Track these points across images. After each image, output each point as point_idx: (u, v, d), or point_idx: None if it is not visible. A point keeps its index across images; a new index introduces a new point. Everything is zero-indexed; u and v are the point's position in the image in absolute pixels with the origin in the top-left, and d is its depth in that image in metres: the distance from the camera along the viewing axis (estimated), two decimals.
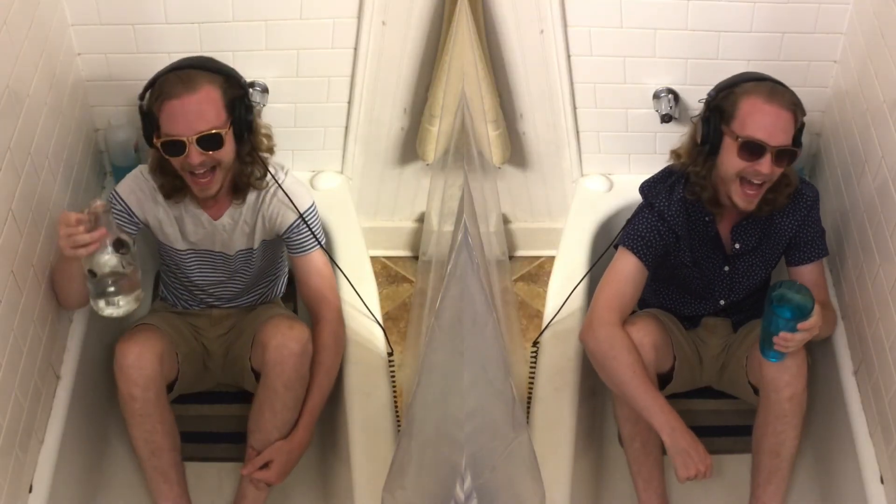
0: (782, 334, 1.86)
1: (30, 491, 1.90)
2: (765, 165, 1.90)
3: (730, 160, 1.92)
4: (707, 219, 2.04)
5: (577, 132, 2.56)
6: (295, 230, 2.07)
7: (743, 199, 1.95)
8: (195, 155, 1.88)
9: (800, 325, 1.86)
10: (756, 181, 1.92)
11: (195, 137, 1.86)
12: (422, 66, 2.43)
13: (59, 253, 1.94)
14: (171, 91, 1.86)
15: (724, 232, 2.07)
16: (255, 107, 2.04)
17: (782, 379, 1.96)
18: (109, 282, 1.80)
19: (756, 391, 2.09)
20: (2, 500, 1.77)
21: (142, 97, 1.92)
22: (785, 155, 1.91)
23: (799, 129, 1.94)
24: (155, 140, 1.90)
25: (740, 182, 1.93)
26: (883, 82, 2.08)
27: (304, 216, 2.06)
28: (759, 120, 1.89)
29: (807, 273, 2.10)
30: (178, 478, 2.07)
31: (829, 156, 2.41)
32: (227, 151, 1.93)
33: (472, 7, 2.25)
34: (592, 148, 2.59)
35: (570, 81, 2.45)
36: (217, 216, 2.06)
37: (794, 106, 1.91)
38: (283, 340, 1.99)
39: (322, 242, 2.11)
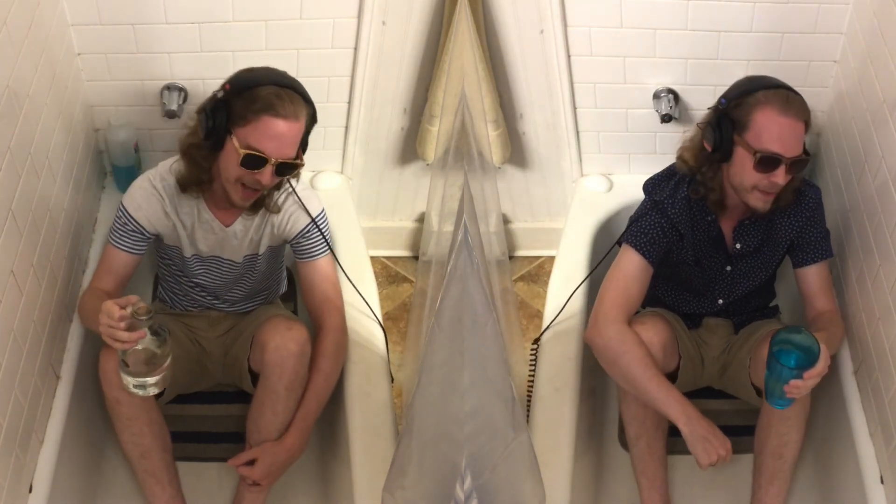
0: (792, 382, 1.80)
1: (30, 491, 1.90)
2: (780, 177, 1.90)
3: (744, 172, 1.92)
4: (709, 218, 2.04)
5: (577, 132, 2.56)
6: (304, 235, 2.07)
7: (759, 202, 1.95)
8: (269, 176, 1.88)
9: (806, 374, 1.79)
10: (771, 191, 1.93)
11: (277, 162, 1.86)
12: (422, 66, 2.43)
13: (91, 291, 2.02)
14: (279, 109, 1.83)
15: (727, 231, 2.07)
16: None
17: None
18: (143, 370, 1.79)
19: (759, 392, 2.08)
20: (2, 500, 1.77)
21: (231, 85, 1.87)
22: (799, 163, 1.92)
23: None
24: (236, 144, 1.85)
25: (754, 189, 1.94)
26: (883, 82, 2.08)
27: (316, 221, 2.07)
28: (776, 133, 1.88)
29: (813, 275, 2.09)
30: (170, 479, 2.05)
31: (829, 156, 2.41)
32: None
33: (472, 7, 2.25)
34: (592, 148, 2.59)
35: (570, 81, 2.44)
36: (228, 222, 2.06)
37: (806, 113, 1.91)
38: (282, 341, 1.99)
39: (332, 248, 2.11)
